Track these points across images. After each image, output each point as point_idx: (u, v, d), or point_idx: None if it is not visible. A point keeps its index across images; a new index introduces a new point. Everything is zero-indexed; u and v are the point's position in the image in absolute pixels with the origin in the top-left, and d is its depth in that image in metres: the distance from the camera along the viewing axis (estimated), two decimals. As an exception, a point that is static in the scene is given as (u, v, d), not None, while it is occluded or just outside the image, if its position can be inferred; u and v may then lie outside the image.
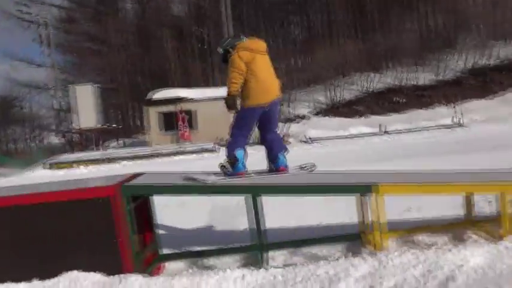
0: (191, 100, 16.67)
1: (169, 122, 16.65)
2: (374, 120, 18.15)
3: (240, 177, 3.18)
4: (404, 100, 19.93)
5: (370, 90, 20.37)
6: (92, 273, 2.52)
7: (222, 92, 16.66)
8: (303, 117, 19.68)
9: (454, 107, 16.76)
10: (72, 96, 18.70)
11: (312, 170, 3.52)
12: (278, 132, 3.63)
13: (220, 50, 3.42)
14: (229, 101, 3.26)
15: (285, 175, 3.34)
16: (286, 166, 3.40)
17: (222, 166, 3.34)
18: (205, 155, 12.96)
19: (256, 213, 2.87)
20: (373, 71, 21.54)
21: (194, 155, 13.10)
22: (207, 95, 16.94)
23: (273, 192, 3.27)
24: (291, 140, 14.57)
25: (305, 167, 3.55)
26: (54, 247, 2.64)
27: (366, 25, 24.14)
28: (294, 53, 25.21)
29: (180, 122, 16.22)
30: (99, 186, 2.84)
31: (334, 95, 20.17)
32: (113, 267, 2.59)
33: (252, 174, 3.31)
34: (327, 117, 19.90)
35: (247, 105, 3.23)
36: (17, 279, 2.57)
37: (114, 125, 21.44)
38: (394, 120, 18.14)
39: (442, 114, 18.13)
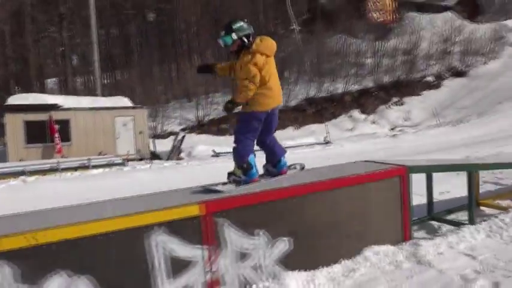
0: (64, 109, 15.31)
1: (35, 133, 14.84)
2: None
3: (254, 183, 3.10)
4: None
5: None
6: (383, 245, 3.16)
7: (100, 102, 16.17)
8: (174, 133, 20.33)
9: (325, 125, 20.20)
10: None
11: (303, 168, 3.65)
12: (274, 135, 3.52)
13: (234, 37, 3.10)
14: (230, 107, 3.17)
15: (292, 175, 3.47)
16: (287, 168, 3.51)
17: (232, 174, 3.20)
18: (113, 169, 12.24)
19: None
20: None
21: (102, 170, 12.19)
22: (84, 103, 15.94)
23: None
24: (183, 155, 15.22)
25: (293, 166, 3.65)
26: (357, 225, 3.13)
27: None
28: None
29: (56, 134, 14.64)
30: (393, 168, 3.40)
31: (203, 112, 21.56)
32: (399, 235, 3.28)
33: (263, 181, 3.23)
34: (194, 134, 21.13)
35: (255, 110, 3.13)
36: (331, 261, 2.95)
37: None
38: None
39: (293, 135, 21.94)
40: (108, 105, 16.15)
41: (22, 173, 11.79)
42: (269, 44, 3.17)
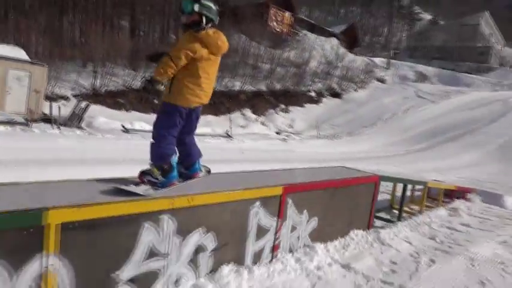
0: None
1: None
2: (139, 117, 20.00)
3: (172, 187, 2.82)
4: (159, 102, 22.78)
5: (134, 86, 21.94)
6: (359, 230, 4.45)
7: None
8: (66, 98, 18.76)
9: (230, 119, 21.02)
10: None
11: (209, 172, 3.40)
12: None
13: (196, 9, 2.77)
14: (149, 87, 2.76)
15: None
16: (200, 171, 3.25)
17: (146, 174, 2.86)
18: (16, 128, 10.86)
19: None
20: (133, 68, 23.27)
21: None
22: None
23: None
24: (83, 124, 14.43)
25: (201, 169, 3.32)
26: (348, 215, 4.31)
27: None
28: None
29: None
30: (371, 175, 4.69)
31: (102, 82, 20.41)
32: (366, 224, 4.55)
33: (177, 184, 2.93)
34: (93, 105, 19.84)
35: (178, 104, 2.83)
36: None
37: None
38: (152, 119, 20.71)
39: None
40: (2, 54, 14.23)
41: None
42: (219, 41, 2.86)
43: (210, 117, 23.92)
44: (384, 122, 27.34)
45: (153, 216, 2.42)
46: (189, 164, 3.15)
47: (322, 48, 37.61)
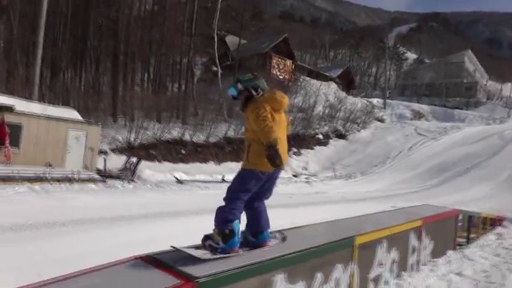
0: (17, 112, 14.70)
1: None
2: (170, 168, 21.69)
3: (233, 254, 2.78)
4: (186, 153, 24.59)
5: (163, 138, 23.77)
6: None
7: (52, 110, 16.02)
8: (105, 152, 20.43)
9: None
10: None
11: (285, 239, 3.31)
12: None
13: (240, 87, 3.06)
14: (272, 153, 2.74)
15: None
16: (270, 240, 3.18)
17: (208, 238, 2.88)
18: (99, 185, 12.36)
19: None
20: (159, 121, 25.25)
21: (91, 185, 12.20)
22: (36, 110, 15.50)
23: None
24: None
25: (273, 235, 3.32)
26: (444, 239, 5.95)
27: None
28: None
29: (6, 137, 13.96)
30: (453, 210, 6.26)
31: (135, 136, 22.22)
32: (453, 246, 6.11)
33: (241, 252, 2.89)
34: (124, 156, 21.51)
35: (256, 169, 2.89)
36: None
37: None
38: (184, 169, 22.40)
39: (215, 169, 24.18)
40: (60, 116, 16.03)
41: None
42: (278, 98, 3.01)
43: (232, 164, 25.67)
44: (392, 160, 29.44)
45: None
46: (256, 232, 3.09)
47: (324, 93, 40.38)
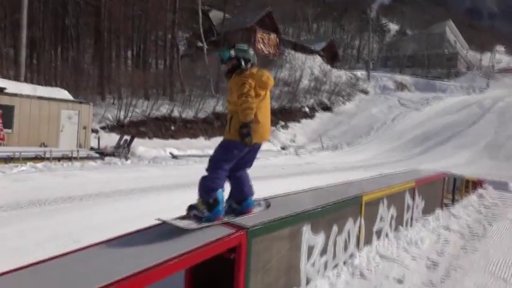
0: (9, 93, 14.69)
1: (-25, 116, 13.90)
2: (161, 144, 21.97)
3: (217, 222, 2.84)
4: (175, 129, 24.84)
5: (152, 115, 23.91)
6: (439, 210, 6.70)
7: (42, 91, 16.01)
8: (96, 131, 20.53)
9: None
10: None
11: (269, 206, 3.41)
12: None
13: (232, 53, 3.06)
14: (245, 131, 2.85)
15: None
16: (255, 207, 3.28)
17: (193, 208, 2.95)
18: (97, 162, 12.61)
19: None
20: (147, 98, 25.30)
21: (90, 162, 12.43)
22: (26, 91, 15.48)
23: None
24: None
25: (257, 203, 3.40)
26: (433, 199, 6.56)
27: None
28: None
29: (-1, 119, 14.02)
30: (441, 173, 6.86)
31: (125, 114, 22.30)
32: (441, 206, 6.79)
33: (225, 219, 2.95)
34: (114, 134, 21.67)
35: (238, 140, 2.91)
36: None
37: None
38: (174, 145, 22.71)
39: (205, 144, 24.57)
40: (52, 96, 16.06)
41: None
42: (264, 79, 3.02)
43: (220, 139, 26.10)
44: (376, 131, 30.33)
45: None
46: (240, 199, 3.18)
47: (309, 66, 40.68)
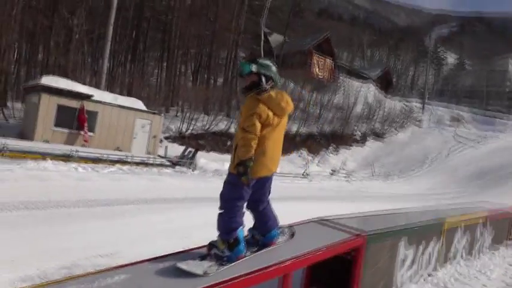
0: (95, 100, 16.43)
1: (66, 118, 15.68)
2: (219, 158, 23.20)
3: (240, 260, 2.73)
4: (231, 144, 26.07)
5: (210, 130, 25.32)
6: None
7: (121, 100, 17.52)
8: (160, 140, 22.12)
9: (308, 161, 24.09)
10: None
11: (293, 235, 3.33)
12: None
13: (254, 69, 2.81)
14: (241, 169, 2.64)
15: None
16: (278, 237, 3.16)
17: (214, 246, 2.82)
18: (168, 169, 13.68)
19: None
20: (206, 113, 26.84)
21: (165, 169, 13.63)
22: (107, 99, 17.19)
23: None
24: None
25: (281, 231, 3.27)
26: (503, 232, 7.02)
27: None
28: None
29: (85, 123, 15.74)
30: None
31: (187, 126, 23.84)
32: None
33: (248, 254, 2.87)
34: (176, 145, 23.20)
35: (249, 174, 2.67)
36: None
37: None
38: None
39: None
40: (129, 105, 17.72)
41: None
42: (283, 103, 2.83)
43: (274, 158, 27.05)
44: (430, 164, 30.01)
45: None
46: (264, 232, 3.07)
47: (363, 93, 41.03)
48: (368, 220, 4.47)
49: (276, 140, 2.88)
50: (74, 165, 11.44)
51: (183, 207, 7.48)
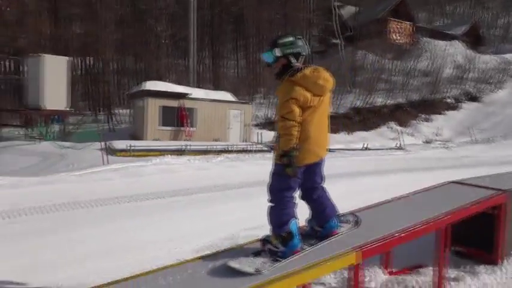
0: (192, 98, 17.88)
1: (168, 117, 17.33)
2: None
3: (296, 255, 2.60)
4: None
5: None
6: None
7: (213, 94, 18.65)
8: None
9: (400, 132, 23.92)
10: (34, 68, 16.50)
11: (358, 222, 3.12)
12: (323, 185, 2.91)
13: (278, 53, 2.63)
14: (285, 160, 2.52)
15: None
16: (338, 227, 2.95)
17: (267, 242, 2.70)
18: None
19: None
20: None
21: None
22: (200, 95, 18.57)
23: None
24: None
25: (345, 219, 3.12)
26: None
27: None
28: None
29: (185, 120, 17.27)
30: None
31: (272, 112, 24.67)
32: None
33: (306, 247, 2.72)
34: (266, 131, 24.20)
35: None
36: None
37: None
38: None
39: (346, 139, 25.62)
40: (221, 99, 18.93)
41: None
42: (321, 80, 2.64)
43: (363, 133, 26.80)
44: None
45: None
46: (322, 222, 2.90)
47: (450, 54, 38.43)
48: (504, 179, 4.60)
49: (319, 121, 2.70)
50: (187, 158, 12.77)
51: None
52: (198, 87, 23.70)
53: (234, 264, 2.47)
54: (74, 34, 23.81)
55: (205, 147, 14.75)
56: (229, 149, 14.82)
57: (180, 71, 24.81)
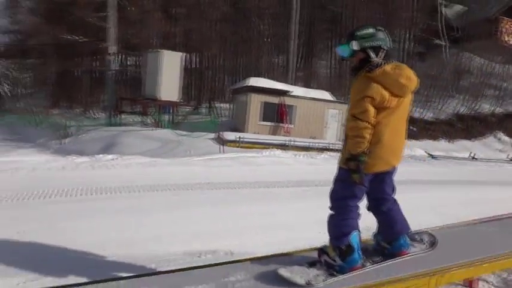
0: (292, 95, 18.45)
1: (269, 113, 18.08)
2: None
3: (355, 272, 2.41)
4: (416, 130, 25.43)
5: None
6: None
7: (312, 93, 18.79)
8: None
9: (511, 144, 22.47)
10: (153, 62, 18.25)
11: (434, 244, 2.81)
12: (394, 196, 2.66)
13: (355, 47, 2.43)
14: (352, 165, 2.35)
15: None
16: (408, 247, 2.69)
17: (324, 252, 2.53)
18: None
19: None
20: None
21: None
22: (299, 93, 19.05)
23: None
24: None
25: (419, 237, 2.84)
26: None
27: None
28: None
29: (285, 116, 17.91)
30: None
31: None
32: None
33: (367, 264, 2.53)
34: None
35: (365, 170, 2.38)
36: None
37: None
38: (416, 146, 23.33)
39: (448, 147, 24.30)
40: (320, 97, 19.23)
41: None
42: (403, 79, 2.37)
43: (465, 142, 25.19)
44: None
45: None
46: (390, 238, 2.65)
47: None
48: None
49: (396, 126, 2.46)
50: (292, 152, 13.33)
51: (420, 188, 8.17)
52: (297, 85, 24.30)
53: (285, 272, 2.34)
54: (181, 31, 25.68)
55: (307, 144, 15.21)
56: (330, 147, 15.09)
57: (278, 69, 25.56)
